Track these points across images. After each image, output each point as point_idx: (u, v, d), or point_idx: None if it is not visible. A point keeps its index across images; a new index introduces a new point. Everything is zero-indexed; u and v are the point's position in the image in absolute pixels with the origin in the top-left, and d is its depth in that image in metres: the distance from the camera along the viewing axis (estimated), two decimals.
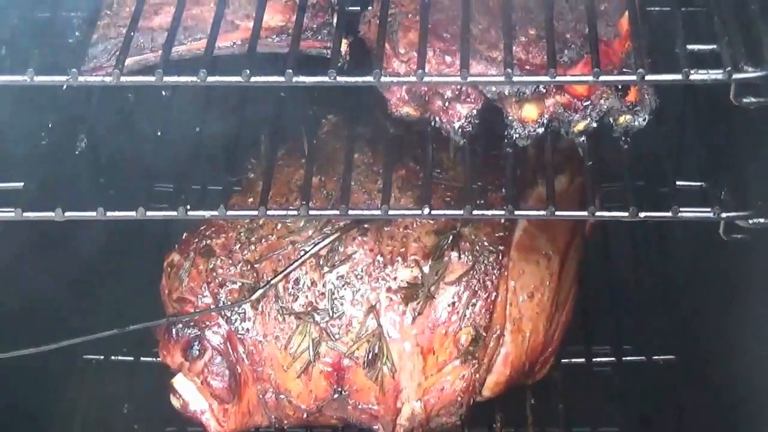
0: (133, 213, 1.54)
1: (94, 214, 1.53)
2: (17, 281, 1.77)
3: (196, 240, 1.88)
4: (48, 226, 1.56)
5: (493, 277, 1.82)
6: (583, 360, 2.12)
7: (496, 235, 1.83)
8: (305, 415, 1.90)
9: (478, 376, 1.85)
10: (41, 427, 1.91)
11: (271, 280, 1.82)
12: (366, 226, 1.83)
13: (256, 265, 1.84)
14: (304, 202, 1.59)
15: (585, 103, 1.53)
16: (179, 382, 1.85)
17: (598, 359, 2.13)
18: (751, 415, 1.57)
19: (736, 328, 1.72)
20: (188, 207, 1.55)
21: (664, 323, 2.10)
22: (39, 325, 1.76)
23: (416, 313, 1.81)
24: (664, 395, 2.06)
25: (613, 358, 2.14)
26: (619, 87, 1.51)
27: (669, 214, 1.51)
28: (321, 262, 1.82)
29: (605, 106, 1.53)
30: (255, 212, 1.65)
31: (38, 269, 1.84)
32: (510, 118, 1.55)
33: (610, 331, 2.15)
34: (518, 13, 1.56)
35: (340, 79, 1.43)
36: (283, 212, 1.73)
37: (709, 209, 1.51)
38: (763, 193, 1.47)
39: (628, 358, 2.13)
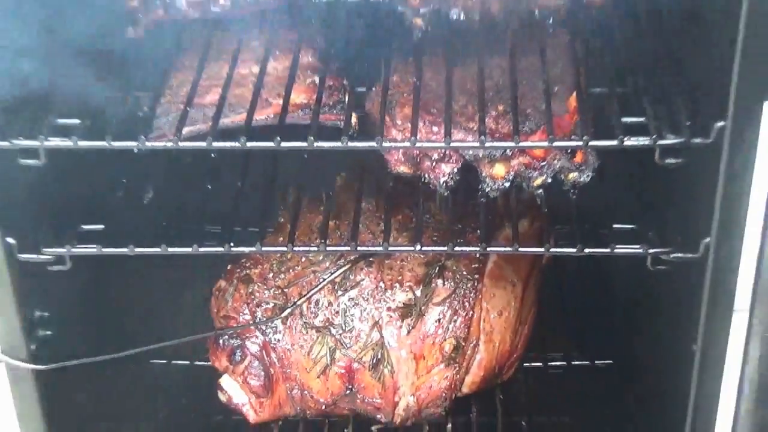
0: (189, 249, 1.54)
1: (158, 249, 1.53)
2: (108, 301, 1.79)
3: (238, 270, 1.88)
4: (123, 259, 1.54)
5: (470, 299, 1.81)
6: (540, 364, 2.10)
7: (473, 266, 1.82)
8: (323, 407, 1.88)
9: (458, 376, 1.83)
10: (118, 415, 1.89)
11: (297, 301, 1.81)
12: (371, 259, 1.82)
13: (285, 290, 1.83)
14: (322, 240, 1.60)
15: (542, 164, 1.52)
16: (225, 381, 1.84)
17: (553, 363, 2.11)
18: (669, 404, 1.58)
19: (660, 338, 1.71)
20: (232, 244, 1.55)
21: (604, 335, 2.08)
22: (117, 337, 1.73)
23: (410, 327, 1.80)
24: (604, 391, 2.05)
25: (564, 362, 2.12)
26: (569, 150, 1.49)
27: (607, 250, 1.51)
28: (336, 287, 1.81)
29: (557, 166, 1.52)
30: (284, 248, 1.68)
31: (120, 294, 1.83)
32: (483, 175, 1.54)
33: (562, 341, 2.14)
34: (489, 93, 1.55)
35: (350, 144, 1.43)
36: (306, 248, 1.74)
37: (638, 246, 1.50)
38: (680, 233, 1.46)
39: (576, 362, 2.11)
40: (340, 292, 1.81)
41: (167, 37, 1.67)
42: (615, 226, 1.55)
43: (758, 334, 1.40)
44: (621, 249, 1.51)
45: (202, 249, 1.54)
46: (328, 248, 1.64)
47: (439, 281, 1.81)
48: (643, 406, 1.84)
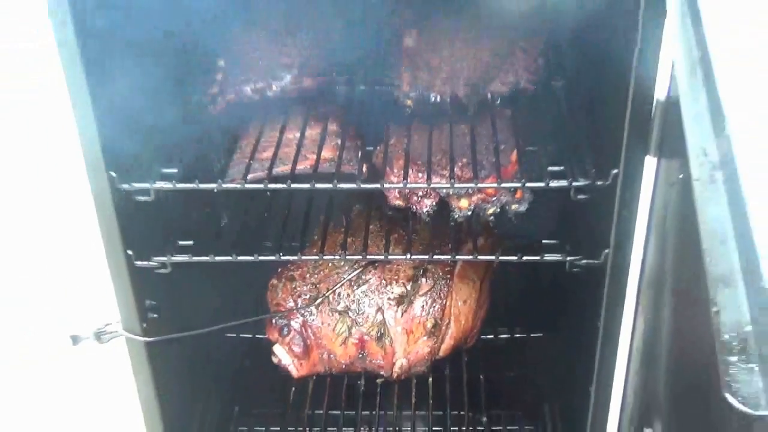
0: (251, 257, 1.54)
1: (230, 258, 1.53)
2: (195, 294, 1.76)
3: (285, 272, 1.87)
4: (206, 264, 1.54)
5: (444, 292, 1.80)
6: (492, 336, 2.08)
7: (446, 269, 1.82)
8: (344, 366, 1.87)
9: (436, 345, 1.83)
10: (202, 373, 1.88)
11: (326, 293, 1.80)
12: (376, 264, 1.81)
13: (317, 285, 1.82)
14: (343, 251, 1.62)
15: (493, 198, 1.52)
16: (276, 348, 1.83)
17: (500, 336, 2.09)
18: (581, 364, 1.56)
19: (575, 318, 1.70)
20: (281, 254, 1.55)
21: (537, 316, 2.06)
22: (201, 318, 1.73)
23: (403, 311, 1.79)
24: (537, 354, 2.04)
25: (509, 335, 2.10)
26: (511, 190, 1.50)
27: (538, 257, 1.51)
28: (352, 284, 1.81)
29: (504, 200, 1.52)
30: (317, 257, 1.67)
31: (204, 288, 1.82)
32: (452, 206, 1.55)
33: (508, 320, 2.12)
34: (456, 151, 1.55)
35: (362, 186, 1.45)
36: (332, 257, 1.73)
37: (560, 255, 1.50)
38: (588, 246, 1.46)
39: (517, 335, 2.10)
40: (355, 287, 1.81)
41: (238, 112, 1.68)
42: (543, 241, 1.54)
43: (642, 316, 1.40)
44: (548, 257, 1.51)
45: (260, 257, 1.54)
46: (347, 256, 1.67)
47: (423, 279, 1.80)
48: (563, 365, 1.83)
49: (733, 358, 0.75)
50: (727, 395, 0.72)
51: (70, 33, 1.18)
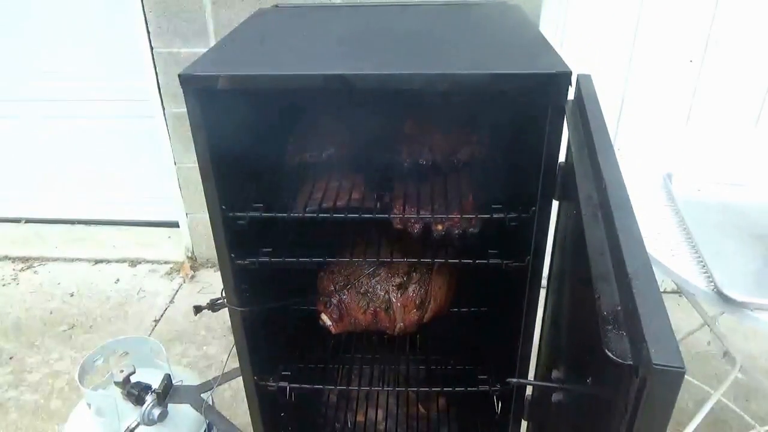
0: (308, 259, 1.52)
1: (295, 259, 1.52)
2: (271, 281, 1.70)
3: (329, 268, 1.84)
4: (280, 263, 1.52)
5: (427, 281, 1.77)
6: (456, 310, 2.02)
7: (429, 267, 1.79)
8: (364, 327, 1.83)
9: (422, 314, 1.80)
10: (276, 331, 1.82)
11: (353, 281, 1.78)
12: (385, 264, 1.78)
13: (348, 277, 1.79)
14: (364, 256, 1.62)
15: (458, 224, 1.51)
16: (323, 315, 1.80)
17: (462, 310, 2.03)
18: (513, 329, 1.52)
19: (509, 299, 1.65)
20: (326, 257, 1.56)
21: (485, 297, 2.01)
22: (276, 296, 1.70)
23: (402, 293, 1.76)
24: (483, 323, 1.99)
25: (466, 309, 2.05)
26: (469, 219, 1.49)
27: (486, 261, 1.49)
28: (370, 275, 1.78)
29: (464, 226, 1.51)
30: (348, 259, 1.66)
31: (277, 278, 1.78)
32: (433, 229, 1.54)
33: (466, 300, 2.05)
34: (435, 195, 1.55)
35: (377, 215, 1.45)
36: (357, 259, 1.71)
37: (499, 260, 1.48)
38: (517, 254, 1.43)
39: (472, 308, 2.05)
40: (371, 278, 1.78)
41: (301, 169, 1.67)
42: (489, 251, 1.52)
43: (550, 298, 1.39)
44: (492, 261, 1.48)
45: (314, 259, 1.54)
46: (367, 259, 1.65)
47: (414, 273, 1.78)
48: (501, 329, 1.78)
49: (609, 327, 0.74)
50: (606, 350, 0.71)
51: (204, 142, 1.21)
